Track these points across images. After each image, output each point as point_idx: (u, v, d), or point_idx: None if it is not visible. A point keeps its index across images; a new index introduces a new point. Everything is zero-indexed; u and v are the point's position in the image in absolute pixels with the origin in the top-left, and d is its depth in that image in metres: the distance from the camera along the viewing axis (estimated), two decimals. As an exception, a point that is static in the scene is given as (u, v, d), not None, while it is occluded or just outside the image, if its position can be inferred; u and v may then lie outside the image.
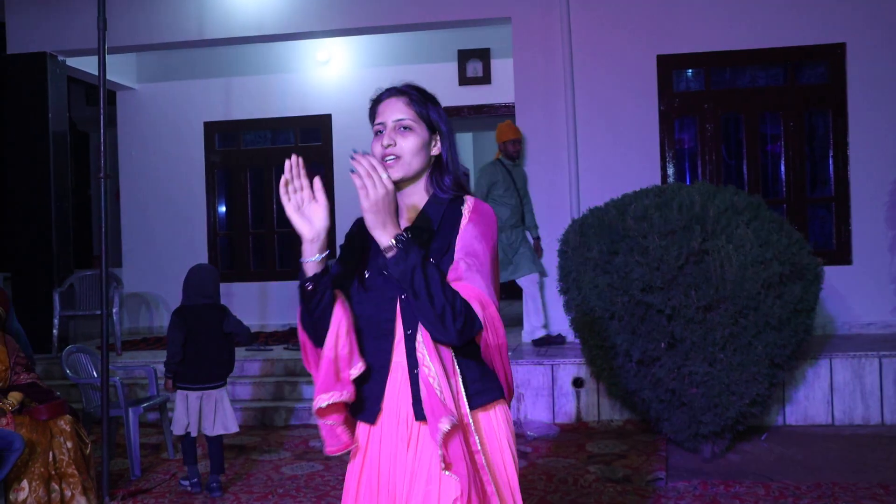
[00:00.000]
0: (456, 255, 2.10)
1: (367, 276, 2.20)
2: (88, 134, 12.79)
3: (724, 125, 7.84)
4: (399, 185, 2.18)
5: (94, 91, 10.01)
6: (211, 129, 10.21)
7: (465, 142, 12.96)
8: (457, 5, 7.95)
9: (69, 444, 4.64)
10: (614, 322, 5.37)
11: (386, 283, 2.14)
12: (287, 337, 8.80)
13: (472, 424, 2.10)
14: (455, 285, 2.03)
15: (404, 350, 2.12)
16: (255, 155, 10.27)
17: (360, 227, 2.25)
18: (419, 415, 2.09)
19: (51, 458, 4.57)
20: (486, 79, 9.73)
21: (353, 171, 2.00)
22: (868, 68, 7.39)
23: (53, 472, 4.57)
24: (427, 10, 8.06)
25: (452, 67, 9.77)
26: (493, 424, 2.18)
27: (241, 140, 10.29)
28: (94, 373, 5.81)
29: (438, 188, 2.23)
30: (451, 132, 2.26)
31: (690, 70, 7.90)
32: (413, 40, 9.67)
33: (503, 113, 9.52)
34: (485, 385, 2.17)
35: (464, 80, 9.77)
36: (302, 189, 2.05)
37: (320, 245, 2.07)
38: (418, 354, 2.06)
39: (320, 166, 10.06)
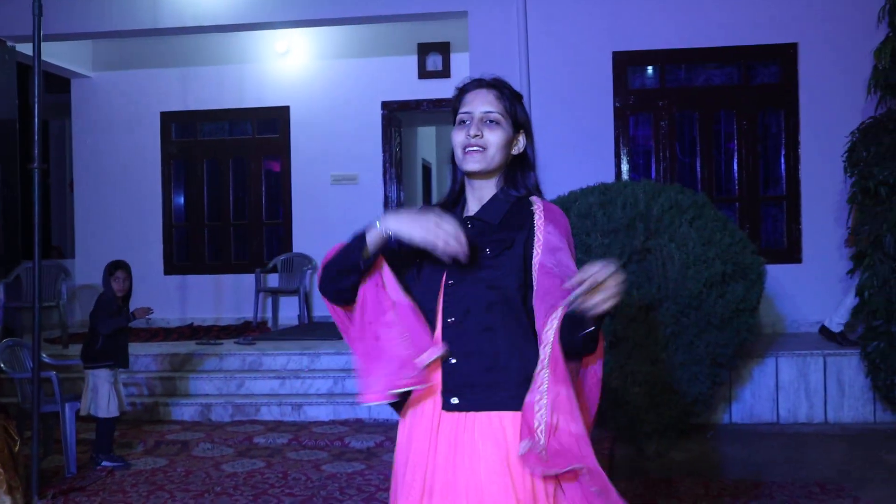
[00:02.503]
0: (544, 262, 2.06)
1: (424, 268, 2.18)
2: (48, 122, 12.59)
3: (679, 123, 7.85)
4: (474, 175, 2.18)
5: (53, 79, 9.84)
6: (168, 119, 10.09)
7: (426, 135, 12.89)
8: (415, -1, 7.89)
9: (-4, 441, 4.55)
10: (558, 320, 5.35)
11: (433, 274, 2.14)
12: (240, 331, 8.72)
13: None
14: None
15: (440, 338, 2.10)
16: (212, 146, 10.15)
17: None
18: (446, 404, 2.08)
19: (-23, 456, 4.48)
20: (445, 72, 9.68)
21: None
22: (819, 68, 7.42)
23: (-21, 470, 4.48)
24: (386, 3, 8.00)
25: (412, 61, 9.72)
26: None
27: (199, 130, 10.17)
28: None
29: (513, 186, 2.20)
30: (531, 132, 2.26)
31: (646, 67, 7.90)
32: (373, 33, 9.61)
33: (462, 107, 9.46)
34: None
35: (423, 73, 9.72)
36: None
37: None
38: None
39: (278, 158, 9.97)
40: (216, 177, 10.15)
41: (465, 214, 2.21)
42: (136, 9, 8.31)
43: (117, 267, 5.72)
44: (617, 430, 5.62)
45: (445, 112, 9.87)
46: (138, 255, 9.90)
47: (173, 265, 10.02)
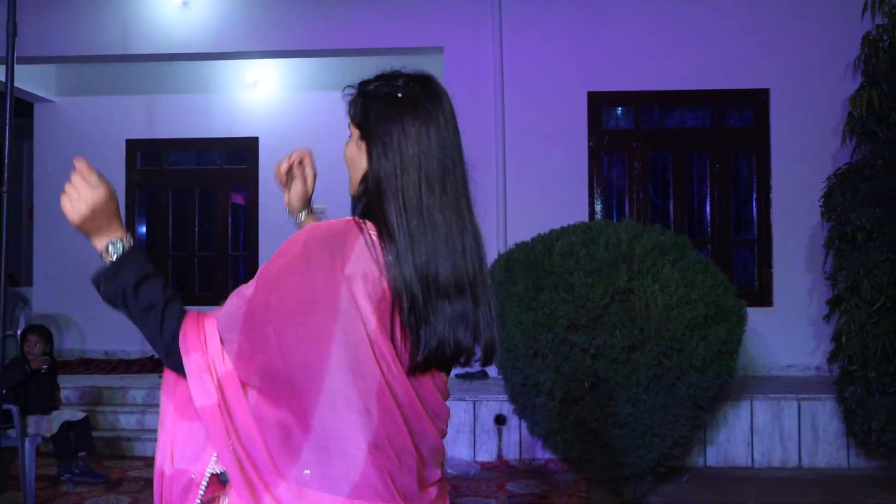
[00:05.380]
0: None
1: None
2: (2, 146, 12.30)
3: (652, 164, 7.89)
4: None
5: (15, 102, 9.59)
6: (133, 147, 9.90)
7: (394, 170, 12.83)
8: (389, 33, 7.86)
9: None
10: (538, 360, 5.28)
11: None
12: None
13: None
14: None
15: None
16: (178, 175, 9.98)
17: None
18: None
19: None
20: (417, 108, 9.64)
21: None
22: (790, 114, 7.52)
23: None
24: (359, 37, 7.95)
25: (384, 95, 9.66)
26: None
27: (165, 160, 10.00)
28: (-9, 399, 5.49)
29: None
30: (387, 134, 1.62)
31: (620, 108, 7.94)
32: (345, 66, 9.52)
33: (434, 143, 9.43)
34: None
35: (395, 108, 9.66)
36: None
37: None
38: None
39: (245, 189, 9.83)
40: (181, 207, 9.97)
41: None
42: (106, 33, 8.16)
43: (30, 331, 5.82)
44: (594, 472, 5.54)
45: (416, 147, 9.81)
46: (98, 285, 9.67)
47: (134, 296, 9.77)
